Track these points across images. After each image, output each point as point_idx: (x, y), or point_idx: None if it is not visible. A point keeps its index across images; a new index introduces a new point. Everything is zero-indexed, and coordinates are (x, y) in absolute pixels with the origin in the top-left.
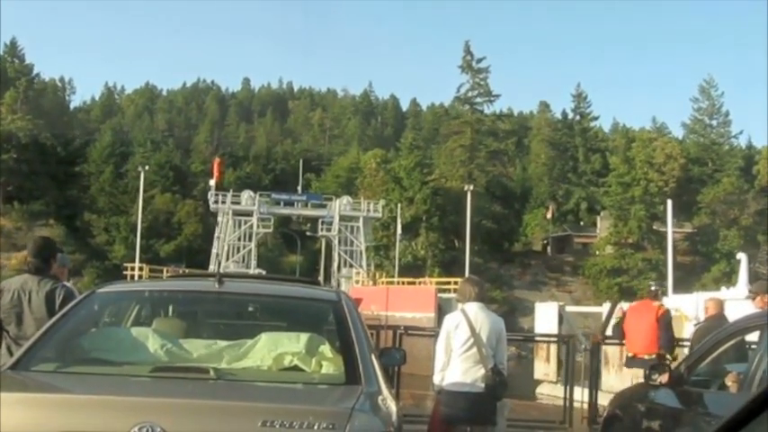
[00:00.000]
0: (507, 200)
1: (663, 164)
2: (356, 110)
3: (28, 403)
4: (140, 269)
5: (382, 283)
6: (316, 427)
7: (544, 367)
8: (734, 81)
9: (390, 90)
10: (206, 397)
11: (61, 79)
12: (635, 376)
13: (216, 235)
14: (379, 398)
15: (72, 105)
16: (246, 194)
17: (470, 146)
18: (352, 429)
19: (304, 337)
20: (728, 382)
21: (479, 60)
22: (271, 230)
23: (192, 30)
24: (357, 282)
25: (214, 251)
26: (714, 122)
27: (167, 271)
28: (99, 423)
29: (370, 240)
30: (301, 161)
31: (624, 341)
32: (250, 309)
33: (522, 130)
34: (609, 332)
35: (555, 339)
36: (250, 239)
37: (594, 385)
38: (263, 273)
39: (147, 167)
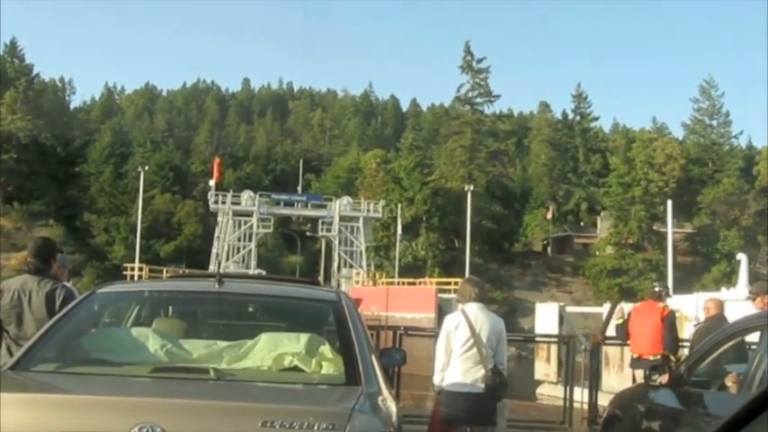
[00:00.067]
0: (507, 200)
1: (663, 164)
2: (356, 110)
3: (28, 403)
4: (140, 269)
5: (382, 283)
6: (316, 428)
7: (544, 368)
8: (734, 81)
9: (390, 90)
10: (206, 397)
11: (61, 79)
12: (636, 377)
13: (216, 235)
14: (379, 398)
15: (72, 105)
16: (246, 195)
17: (470, 146)
18: (352, 430)
19: (304, 337)
20: (728, 382)
21: (479, 60)
22: (271, 231)
23: (192, 30)
24: (357, 282)
25: (214, 251)
26: (714, 123)
27: (167, 271)
28: (99, 423)
29: (371, 241)
30: (301, 161)
31: (629, 342)
32: (250, 309)
33: (522, 131)
34: (609, 332)
35: (555, 340)
36: (250, 240)
37: (595, 386)
38: (263, 273)
39: (146, 168)
